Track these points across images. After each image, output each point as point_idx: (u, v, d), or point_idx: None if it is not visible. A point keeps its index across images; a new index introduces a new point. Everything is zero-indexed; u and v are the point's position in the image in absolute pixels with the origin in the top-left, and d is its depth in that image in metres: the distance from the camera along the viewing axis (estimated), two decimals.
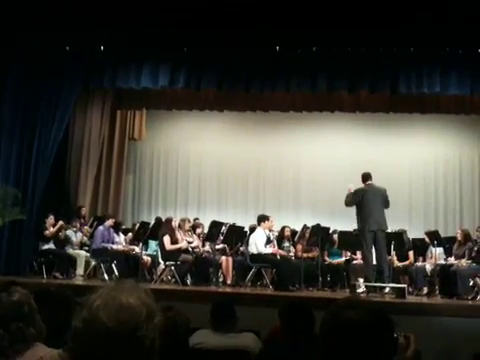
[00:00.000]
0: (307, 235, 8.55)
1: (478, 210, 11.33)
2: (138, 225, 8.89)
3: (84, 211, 9.89)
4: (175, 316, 1.95)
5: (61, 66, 8.92)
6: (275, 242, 8.51)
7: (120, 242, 8.74)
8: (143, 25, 8.48)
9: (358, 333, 1.25)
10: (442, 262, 8.12)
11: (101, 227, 8.42)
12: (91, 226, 9.08)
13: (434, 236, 8.04)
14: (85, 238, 8.97)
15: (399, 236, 8.40)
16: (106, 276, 8.01)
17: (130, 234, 9.17)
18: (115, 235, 8.64)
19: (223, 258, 8.63)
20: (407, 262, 8.67)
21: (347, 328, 1.26)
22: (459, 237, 8.08)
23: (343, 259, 8.99)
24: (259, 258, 7.95)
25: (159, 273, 8.38)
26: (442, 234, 8.48)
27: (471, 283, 7.67)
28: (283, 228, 9.08)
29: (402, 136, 11.36)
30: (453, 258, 7.97)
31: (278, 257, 8.27)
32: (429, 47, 8.64)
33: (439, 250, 8.17)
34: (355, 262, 8.64)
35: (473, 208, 11.35)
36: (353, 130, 11.34)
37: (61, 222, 8.69)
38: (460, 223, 10.61)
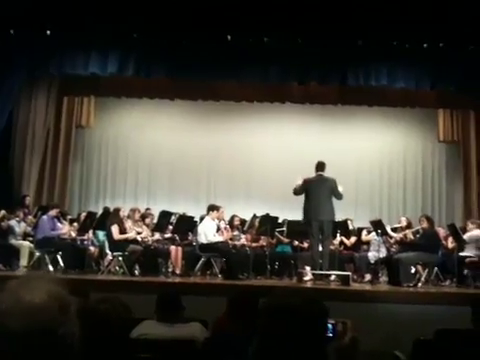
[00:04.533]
0: (256, 224, 8.63)
1: (421, 200, 11.78)
2: (85, 215, 8.71)
3: (28, 200, 9.62)
4: (109, 308, 1.92)
5: (5, 51, 8.57)
6: (228, 227, 8.53)
7: (65, 233, 8.51)
8: (91, 10, 8.25)
9: (293, 318, 1.28)
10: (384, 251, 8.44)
11: (45, 217, 8.18)
12: (35, 216, 8.82)
13: (378, 225, 8.28)
14: (29, 228, 8.71)
15: (344, 224, 8.66)
16: (51, 267, 7.81)
17: (75, 224, 8.97)
18: (60, 225, 8.42)
19: (172, 248, 8.59)
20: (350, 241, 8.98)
21: (282, 314, 1.30)
22: (404, 223, 8.36)
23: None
24: (208, 248, 7.95)
25: (106, 264, 8.24)
26: (386, 223, 8.75)
27: (413, 271, 7.98)
28: (233, 217, 9.13)
29: (350, 128, 11.62)
30: (394, 235, 8.29)
31: (229, 244, 8.32)
32: (377, 41, 8.84)
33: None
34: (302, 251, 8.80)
35: (416, 198, 11.79)
36: (303, 121, 11.51)
37: (3, 211, 8.41)
38: (403, 213, 10.98)
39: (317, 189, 7.36)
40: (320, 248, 7.43)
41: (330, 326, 1.51)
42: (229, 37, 8.93)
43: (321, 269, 7.30)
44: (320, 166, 7.55)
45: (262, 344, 1.30)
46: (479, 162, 10.89)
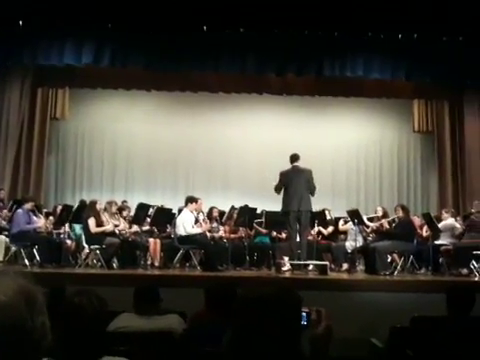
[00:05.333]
0: (235, 216, 8.65)
1: (397, 190, 11.93)
2: (60, 208, 8.60)
3: (3, 194, 9.46)
4: (85, 301, 1.91)
5: None
6: (206, 219, 8.52)
7: (41, 226, 8.38)
8: None
9: (265, 308, 1.29)
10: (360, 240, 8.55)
11: (20, 210, 8.04)
12: (10, 210, 8.68)
13: (355, 214, 8.37)
14: (4, 222, 8.57)
15: (322, 214, 8.73)
16: (27, 261, 7.71)
17: (51, 217, 8.86)
18: (35, 219, 8.29)
19: (151, 240, 8.56)
20: (327, 231, 9.07)
21: (255, 303, 1.30)
22: (380, 213, 8.46)
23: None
24: (187, 240, 7.94)
25: (84, 257, 8.16)
26: (363, 213, 8.85)
27: (389, 259, 8.10)
28: (211, 209, 9.12)
29: (327, 119, 11.70)
30: (371, 225, 8.40)
31: (207, 236, 8.33)
32: (352, 32, 8.89)
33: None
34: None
35: (391, 188, 11.94)
36: (280, 112, 11.53)
37: None
38: (380, 202, 11.12)
39: (294, 180, 7.40)
40: (298, 238, 7.48)
41: (304, 314, 1.52)
42: (205, 28, 8.88)
43: (299, 259, 7.35)
44: (295, 158, 7.58)
45: (235, 334, 1.31)
46: (453, 152, 11.07)
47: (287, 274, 7.15)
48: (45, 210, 9.31)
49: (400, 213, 7.97)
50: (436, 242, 8.08)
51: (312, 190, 7.47)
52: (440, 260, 8.03)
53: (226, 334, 1.34)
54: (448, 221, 8.33)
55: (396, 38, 9.06)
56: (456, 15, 8.30)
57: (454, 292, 3.77)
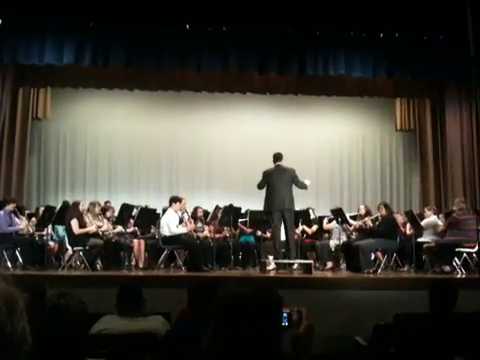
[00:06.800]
0: (219, 215, 8.64)
1: (380, 188, 12.02)
2: (43, 209, 8.50)
3: None
4: (69, 302, 1.89)
5: None
6: (191, 219, 8.49)
7: (23, 228, 8.27)
8: None
9: (245, 308, 1.29)
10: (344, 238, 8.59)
11: (1, 212, 7.93)
12: None
13: (338, 213, 8.41)
14: None
15: (306, 213, 8.76)
16: (9, 264, 7.61)
17: (34, 219, 8.74)
18: (17, 220, 8.18)
19: (135, 241, 8.50)
20: (312, 229, 9.09)
21: (235, 303, 1.29)
22: (362, 211, 8.50)
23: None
24: (172, 240, 7.90)
25: (67, 259, 8.08)
26: (346, 211, 8.89)
27: (372, 257, 8.15)
28: (196, 209, 9.10)
29: (310, 118, 11.74)
30: (354, 223, 8.45)
31: (192, 236, 8.30)
32: (334, 31, 8.92)
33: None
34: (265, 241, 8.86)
35: (375, 186, 12.02)
36: (264, 111, 11.55)
37: None
38: (363, 200, 11.18)
39: (277, 179, 7.41)
40: (283, 237, 7.49)
41: (285, 315, 1.52)
42: (188, 26, 8.85)
43: (284, 258, 7.37)
44: (278, 157, 7.59)
45: (215, 334, 1.30)
46: (435, 149, 11.17)
47: (272, 273, 7.16)
48: (27, 211, 9.19)
49: (383, 211, 8.03)
50: (419, 240, 8.15)
51: (302, 186, 7.49)
52: (423, 257, 8.10)
53: (206, 334, 1.33)
54: (430, 218, 8.41)
55: (378, 37, 9.12)
56: (437, 14, 8.36)
57: (436, 289, 3.80)
